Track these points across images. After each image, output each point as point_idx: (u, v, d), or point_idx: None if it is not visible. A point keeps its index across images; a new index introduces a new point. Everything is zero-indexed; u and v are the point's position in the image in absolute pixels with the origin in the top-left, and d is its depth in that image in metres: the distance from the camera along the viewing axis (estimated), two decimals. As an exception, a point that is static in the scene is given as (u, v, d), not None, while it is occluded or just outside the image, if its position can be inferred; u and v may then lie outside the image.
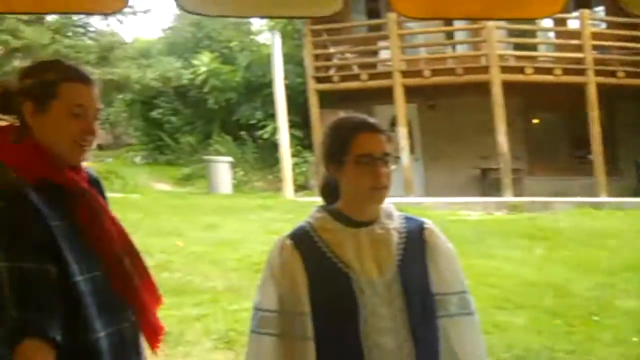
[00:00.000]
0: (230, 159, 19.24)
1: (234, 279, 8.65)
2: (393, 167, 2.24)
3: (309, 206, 2.36)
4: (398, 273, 2.21)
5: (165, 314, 6.96)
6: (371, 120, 2.29)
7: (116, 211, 2.28)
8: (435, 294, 2.28)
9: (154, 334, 2.28)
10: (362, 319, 2.16)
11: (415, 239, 2.29)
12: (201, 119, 23.75)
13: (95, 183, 2.29)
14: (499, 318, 7.27)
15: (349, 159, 2.21)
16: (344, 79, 19.15)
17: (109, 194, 2.38)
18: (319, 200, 2.39)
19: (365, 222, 2.25)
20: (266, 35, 22.03)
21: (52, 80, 2.11)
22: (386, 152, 2.23)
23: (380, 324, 2.18)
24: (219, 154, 20.46)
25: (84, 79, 2.16)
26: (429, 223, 2.35)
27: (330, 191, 2.32)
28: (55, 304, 1.96)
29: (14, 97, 2.12)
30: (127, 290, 2.19)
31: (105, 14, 15.90)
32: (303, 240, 2.23)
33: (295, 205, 14.49)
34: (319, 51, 19.41)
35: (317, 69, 19.64)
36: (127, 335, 2.19)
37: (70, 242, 2.06)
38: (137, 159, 24.46)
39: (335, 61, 19.94)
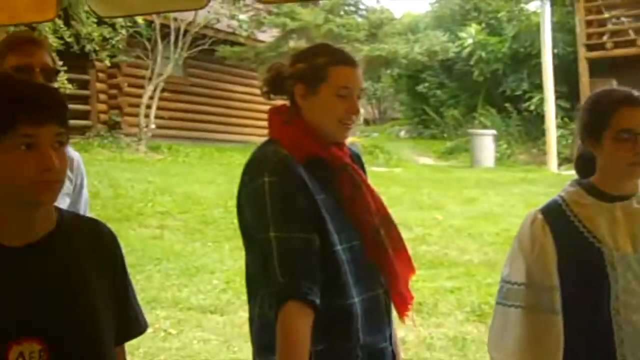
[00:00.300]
0: (493, 132, 19.00)
1: (491, 253, 8.65)
2: None
3: (574, 180, 2.32)
4: None
5: (420, 286, 7.24)
6: (635, 93, 2.24)
7: (379, 185, 2.44)
8: None
9: (404, 303, 2.39)
10: (613, 295, 2.14)
11: None
12: (466, 92, 23.59)
13: (356, 158, 2.45)
14: None
15: (607, 134, 2.19)
16: (617, 45, 18.16)
17: (373, 168, 2.55)
18: (584, 174, 2.36)
19: (621, 197, 2.22)
20: (536, 3, 21.35)
21: (322, 65, 2.28)
22: None
23: (633, 300, 2.15)
24: (483, 127, 20.27)
25: (350, 62, 2.32)
26: None
27: (585, 165, 2.30)
28: (316, 271, 2.15)
29: (286, 80, 2.33)
30: (381, 260, 2.31)
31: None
32: (554, 215, 2.23)
33: (559, 179, 13.91)
34: (591, 17, 18.57)
35: (589, 35, 18.78)
36: (380, 302, 2.33)
37: (332, 213, 2.24)
38: (402, 133, 24.81)
39: (609, 26, 18.96)
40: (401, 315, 2.40)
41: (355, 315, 2.23)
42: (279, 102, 2.42)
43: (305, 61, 2.32)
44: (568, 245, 2.18)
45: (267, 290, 2.17)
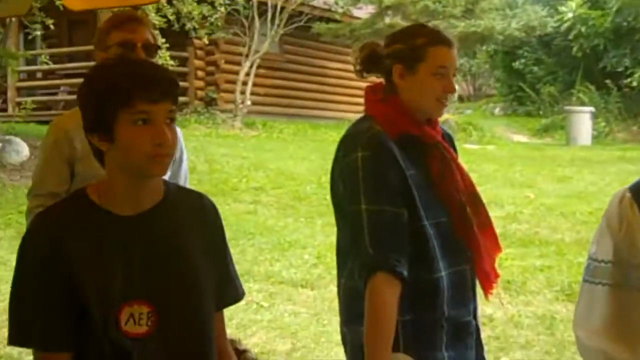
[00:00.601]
0: (591, 109, 18.52)
1: (583, 232, 8.52)
2: None
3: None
4: None
5: (510, 264, 7.25)
6: None
7: (471, 162, 2.53)
8: None
9: (488, 280, 2.44)
10: None
11: None
12: (564, 68, 23.04)
13: (447, 137, 2.53)
14: None
15: None
16: None
17: (466, 145, 2.65)
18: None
19: None
20: (641, -26, 20.62)
21: (420, 45, 2.35)
22: None
23: None
24: (581, 104, 19.80)
25: (448, 42, 2.38)
26: None
27: None
28: (405, 244, 2.23)
29: (383, 59, 2.41)
30: (467, 236, 2.38)
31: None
32: None
33: None
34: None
35: None
36: (465, 278, 2.40)
37: (421, 189, 2.31)
38: (496, 110, 24.45)
39: None
40: (486, 292, 2.46)
41: (442, 288, 2.31)
42: (374, 79, 2.51)
43: (404, 42, 2.39)
44: None
45: (356, 261, 2.25)
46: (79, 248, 1.77)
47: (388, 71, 2.40)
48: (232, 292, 2.04)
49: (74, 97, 17.54)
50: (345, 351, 2.46)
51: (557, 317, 6.13)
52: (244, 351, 2.26)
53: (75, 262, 1.76)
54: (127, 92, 1.71)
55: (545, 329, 5.91)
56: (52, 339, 1.77)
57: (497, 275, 2.46)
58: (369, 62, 2.45)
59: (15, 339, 1.80)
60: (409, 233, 2.25)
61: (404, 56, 2.36)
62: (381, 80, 2.47)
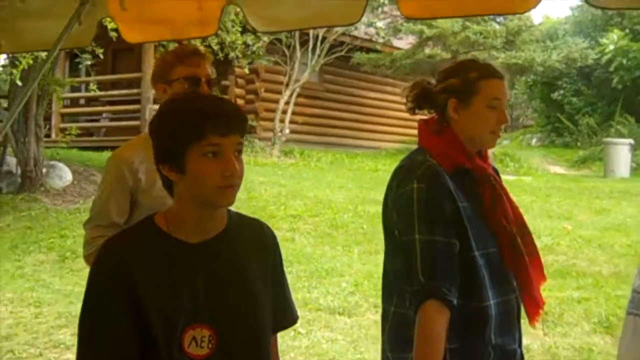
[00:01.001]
0: (631, 141, 18.32)
1: (621, 265, 8.51)
2: None
3: None
4: None
5: (547, 295, 7.26)
6: None
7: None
8: None
9: (535, 308, 2.50)
10: None
11: None
12: (603, 99, 22.96)
13: (494, 169, 2.64)
14: None
15: None
16: None
17: (503, 176, 2.72)
18: None
19: None
20: (685, 7, 20.40)
21: (474, 79, 2.46)
22: None
23: None
24: (620, 135, 19.67)
25: (499, 75, 2.50)
26: None
27: None
28: (455, 274, 2.31)
29: (437, 95, 2.51)
30: (517, 266, 2.46)
31: (517, 14, 16.02)
32: None
33: None
34: None
35: None
36: (513, 306, 2.47)
37: (473, 220, 2.40)
38: (533, 141, 24.36)
39: None
40: (532, 319, 2.52)
41: (490, 317, 2.38)
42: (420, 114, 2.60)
43: (458, 76, 2.49)
44: None
45: (408, 289, 2.33)
46: (147, 273, 1.87)
47: (442, 105, 2.50)
48: (288, 317, 2.15)
49: (115, 123, 17.91)
50: None
51: (594, 350, 6.15)
52: None
53: (142, 287, 1.85)
54: (199, 126, 1.82)
55: (583, 360, 5.92)
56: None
57: (543, 302, 2.53)
58: (421, 99, 2.56)
59: None
60: (460, 263, 2.34)
61: (458, 90, 2.46)
62: (433, 115, 2.57)
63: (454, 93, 2.46)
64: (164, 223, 1.94)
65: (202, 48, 3.55)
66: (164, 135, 1.89)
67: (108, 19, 4.07)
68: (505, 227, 2.45)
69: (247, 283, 1.99)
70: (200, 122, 1.83)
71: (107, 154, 14.18)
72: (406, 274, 2.34)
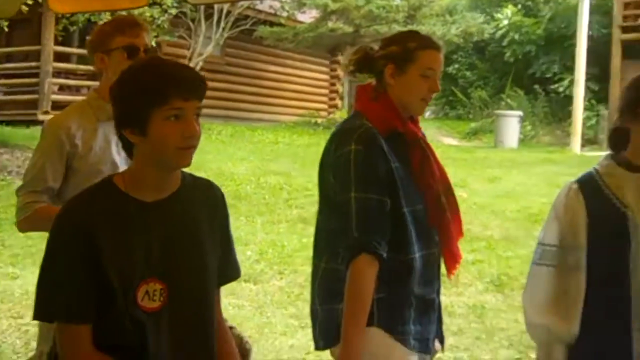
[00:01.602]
0: (519, 113, 19.08)
1: (511, 229, 8.99)
2: None
3: (595, 161, 2.58)
4: None
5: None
6: None
7: None
8: None
9: (454, 261, 2.71)
10: (632, 253, 2.40)
11: None
12: (495, 73, 23.71)
13: (423, 134, 2.82)
14: None
15: None
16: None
17: None
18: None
19: None
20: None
21: (413, 48, 2.61)
22: None
23: None
24: (510, 108, 20.41)
25: (437, 47, 2.66)
26: None
27: (619, 141, 2.50)
28: (386, 229, 2.49)
29: (377, 61, 2.66)
30: (439, 222, 2.65)
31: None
32: (588, 184, 2.49)
33: (582, 159, 14.11)
34: (630, -1, 18.60)
35: (625, 17, 19.06)
36: (434, 259, 2.66)
37: (404, 180, 2.57)
38: (427, 114, 24.78)
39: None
40: (450, 271, 2.72)
41: (414, 268, 2.56)
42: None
43: (398, 44, 2.64)
44: (597, 210, 2.44)
45: (342, 244, 2.49)
46: (105, 231, 1.95)
47: (380, 71, 2.66)
48: (233, 272, 2.27)
49: (10, 97, 17.08)
50: (314, 329, 2.70)
51: (486, 307, 6.53)
52: (231, 327, 2.49)
53: (101, 243, 1.94)
54: (163, 91, 1.91)
55: (476, 317, 6.29)
56: (74, 312, 1.95)
57: (460, 257, 2.74)
58: (362, 63, 2.73)
59: (39, 314, 1.98)
60: (390, 219, 2.51)
61: (397, 57, 2.61)
62: (370, 81, 2.74)
63: (393, 60, 2.62)
64: (122, 183, 2.02)
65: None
66: (126, 100, 1.96)
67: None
68: (432, 187, 2.63)
69: (197, 240, 2.10)
70: (164, 87, 1.91)
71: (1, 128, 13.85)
72: (340, 231, 2.51)
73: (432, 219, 2.63)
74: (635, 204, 2.41)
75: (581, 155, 16.25)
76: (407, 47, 2.61)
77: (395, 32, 2.86)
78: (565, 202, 2.49)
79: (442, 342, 2.80)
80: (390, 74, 2.63)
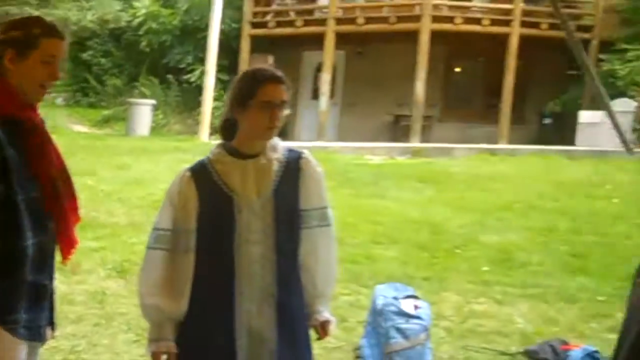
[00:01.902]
0: (152, 101, 19.42)
1: (137, 215, 9.14)
2: (286, 111, 2.71)
3: (222, 148, 2.76)
4: (273, 194, 2.69)
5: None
6: (277, 73, 2.72)
7: None
8: (302, 210, 2.75)
9: (69, 246, 2.73)
10: (237, 232, 2.65)
11: (293, 167, 2.74)
12: (131, 61, 23.67)
13: (42, 120, 2.75)
14: (373, 251, 7.96)
15: (253, 104, 2.63)
16: (279, 24, 19.76)
17: None
18: (231, 143, 2.83)
19: (253, 155, 2.70)
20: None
21: (37, 34, 2.56)
22: (284, 99, 2.67)
23: (251, 236, 2.67)
24: (144, 96, 20.61)
25: (61, 36, 2.64)
26: (306, 153, 2.82)
27: (229, 130, 2.73)
28: None
29: None
30: (55, 208, 2.64)
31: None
32: (200, 172, 2.70)
33: (209, 147, 14.50)
34: (259, -4, 19.65)
35: (255, 14, 20.23)
36: (49, 246, 2.66)
37: (18, 167, 2.51)
38: (59, 101, 24.17)
39: (274, 7, 20.48)
40: (65, 256, 2.75)
41: (27, 256, 2.55)
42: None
43: (21, 30, 2.58)
44: (207, 195, 2.68)
45: None
46: None
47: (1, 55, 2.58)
48: None
49: None
50: None
51: (107, 292, 6.54)
52: None
53: None
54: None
55: (97, 303, 6.26)
56: None
57: (77, 242, 2.77)
58: None
59: None
60: (2, 204, 2.47)
61: (19, 43, 2.56)
62: None
63: (14, 45, 2.56)
64: None
65: None
66: None
67: None
68: (48, 173, 2.62)
69: None
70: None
71: None
72: None
73: (48, 205, 2.64)
74: (240, 189, 2.68)
75: (208, 143, 16.67)
76: (32, 33, 2.58)
77: (18, 18, 2.80)
78: (179, 189, 2.70)
79: (53, 328, 2.83)
80: (10, 59, 2.58)
